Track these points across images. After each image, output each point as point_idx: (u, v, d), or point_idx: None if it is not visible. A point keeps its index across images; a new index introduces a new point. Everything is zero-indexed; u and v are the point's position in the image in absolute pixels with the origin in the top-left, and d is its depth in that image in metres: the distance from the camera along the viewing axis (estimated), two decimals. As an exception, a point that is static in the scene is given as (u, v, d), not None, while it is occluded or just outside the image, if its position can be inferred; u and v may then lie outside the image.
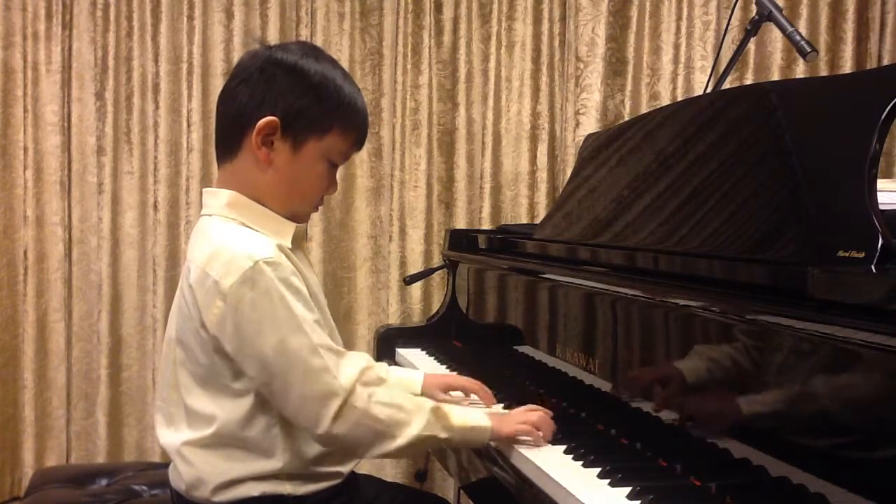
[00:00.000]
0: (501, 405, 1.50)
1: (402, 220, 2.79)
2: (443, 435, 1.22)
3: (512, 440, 1.27)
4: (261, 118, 1.20)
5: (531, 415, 1.29)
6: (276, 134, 1.21)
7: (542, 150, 2.75)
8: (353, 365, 1.18)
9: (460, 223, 2.79)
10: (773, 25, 1.90)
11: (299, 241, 1.30)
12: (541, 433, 1.27)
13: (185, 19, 2.77)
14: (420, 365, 1.89)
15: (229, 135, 1.25)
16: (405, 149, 2.78)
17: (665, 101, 2.65)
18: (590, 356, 1.42)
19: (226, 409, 1.20)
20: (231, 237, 1.20)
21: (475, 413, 1.30)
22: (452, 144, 2.82)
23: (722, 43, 2.36)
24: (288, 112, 1.21)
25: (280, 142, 1.22)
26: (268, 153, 1.22)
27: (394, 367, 1.58)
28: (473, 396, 1.52)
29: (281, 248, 1.19)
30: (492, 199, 2.76)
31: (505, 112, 2.77)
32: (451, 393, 1.52)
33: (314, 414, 1.15)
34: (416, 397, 1.29)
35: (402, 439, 1.19)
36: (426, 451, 1.94)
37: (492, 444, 1.30)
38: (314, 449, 1.23)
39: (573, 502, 1.06)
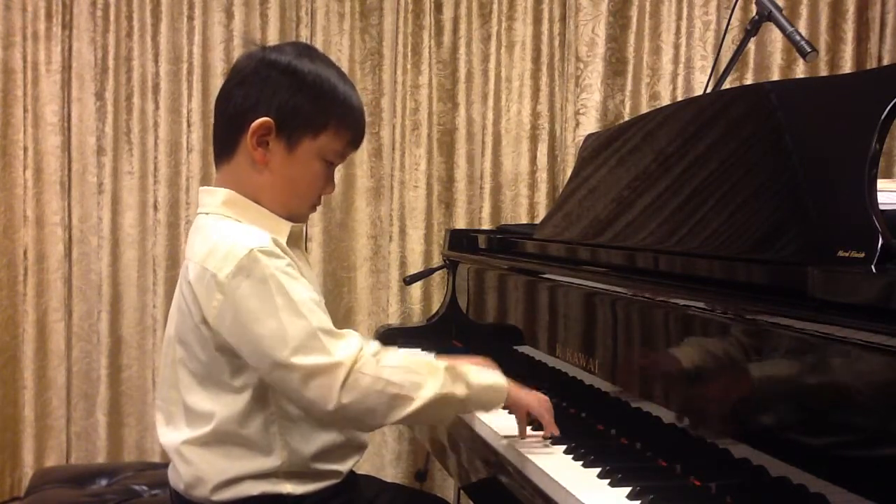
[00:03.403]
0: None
1: (402, 220, 2.79)
2: (460, 392, 1.18)
3: (524, 408, 1.27)
4: (256, 119, 1.21)
5: (543, 404, 1.29)
6: (270, 134, 1.22)
7: (542, 150, 2.74)
8: (357, 339, 1.17)
9: (460, 223, 2.79)
10: (773, 25, 1.90)
11: (296, 241, 1.30)
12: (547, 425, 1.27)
13: (185, 19, 2.76)
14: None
15: (226, 136, 1.25)
16: (405, 149, 2.78)
17: (665, 101, 2.65)
18: (590, 356, 1.42)
19: (224, 406, 1.19)
20: (227, 232, 1.20)
21: (491, 372, 1.28)
22: (452, 144, 2.82)
23: (722, 43, 2.36)
24: (282, 112, 1.21)
25: (275, 142, 1.22)
26: (263, 154, 1.23)
27: (403, 350, 1.56)
28: None
29: (276, 242, 1.19)
30: (492, 199, 2.76)
31: (505, 112, 2.77)
32: None
33: (322, 389, 1.12)
34: (428, 360, 1.25)
35: (419, 401, 1.15)
36: (434, 437, 1.92)
37: (492, 444, 1.30)
38: (313, 447, 1.23)
39: (573, 502, 1.06)
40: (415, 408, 1.15)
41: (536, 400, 1.28)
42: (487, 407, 1.28)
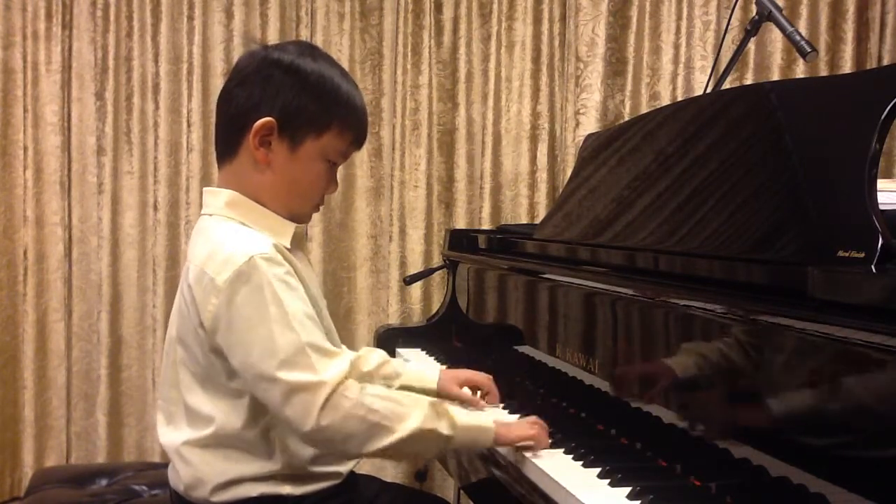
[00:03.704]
0: (502, 405, 1.50)
1: (402, 220, 2.79)
2: (445, 431, 1.17)
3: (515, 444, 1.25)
4: (258, 119, 1.20)
5: (534, 427, 1.27)
6: (273, 134, 1.21)
7: (542, 150, 2.75)
8: (346, 361, 1.16)
9: (460, 223, 2.79)
10: (773, 25, 1.90)
11: (299, 242, 1.30)
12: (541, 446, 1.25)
13: (185, 19, 2.77)
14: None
15: (228, 136, 1.25)
16: (405, 149, 2.78)
17: (665, 101, 2.65)
18: (590, 356, 1.42)
19: (224, 410, 1.19)
20: (229, 236, 1.20)
21: (479, 414, 1.28)
22: (452, 144, 2.82)
23: (722, 43, 2.36)
24: (285, 112, 1.21)
25: (277, 142, 1.22)
26: (266, 154, 1.22)
27: (410, 363, 1.56)
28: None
29: (278, 248, 1.18)
30: (492, 199, 2.76)
31: (505, 112, 2.77)
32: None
33: (301, 407, 1.10)
34: (413, 394, 1.25)
35: (400, 432, 1.14)
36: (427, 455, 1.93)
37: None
38: (312, 450, 1.23)
39: (573, 502, 1.06)
40: (395, 439, 1.14)
41: (526, 430, 1.25)
42: (473, 447, 1.27)
